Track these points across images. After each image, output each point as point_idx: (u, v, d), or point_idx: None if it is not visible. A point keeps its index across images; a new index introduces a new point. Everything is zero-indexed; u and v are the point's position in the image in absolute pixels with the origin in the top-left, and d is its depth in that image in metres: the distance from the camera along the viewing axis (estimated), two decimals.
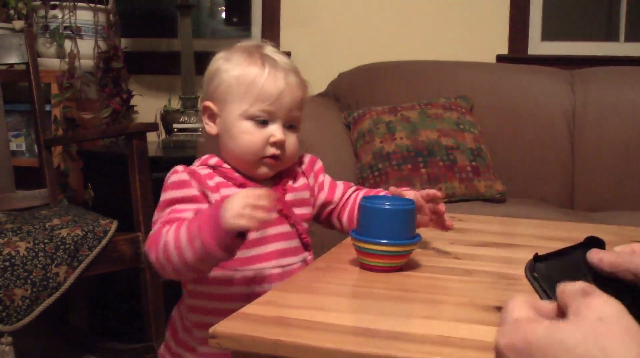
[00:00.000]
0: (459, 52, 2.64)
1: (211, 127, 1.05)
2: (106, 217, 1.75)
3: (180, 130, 2.46)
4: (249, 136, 1.01)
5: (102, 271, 1.70)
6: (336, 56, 2.73)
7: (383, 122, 2.19)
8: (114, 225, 1.72)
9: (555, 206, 2.21)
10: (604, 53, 2.65)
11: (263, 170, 1.03)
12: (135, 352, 1.92)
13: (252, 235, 0.98)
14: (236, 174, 1.03)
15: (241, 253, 0.96)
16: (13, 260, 1.51)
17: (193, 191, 0.98)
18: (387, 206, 0.90)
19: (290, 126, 1.04)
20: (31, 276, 1.52)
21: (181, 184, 0.98)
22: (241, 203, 0.84)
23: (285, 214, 1.04)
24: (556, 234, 1.25)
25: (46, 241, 1.57)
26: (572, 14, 3.14)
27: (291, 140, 1.04)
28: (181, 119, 2.48)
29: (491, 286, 0.86)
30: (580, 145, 2.32)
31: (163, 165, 2.14)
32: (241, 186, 1.01)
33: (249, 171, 1.03)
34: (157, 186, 2.00)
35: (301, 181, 1.10)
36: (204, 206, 0.96)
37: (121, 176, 1.93)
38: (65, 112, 2.40)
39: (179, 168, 1.01)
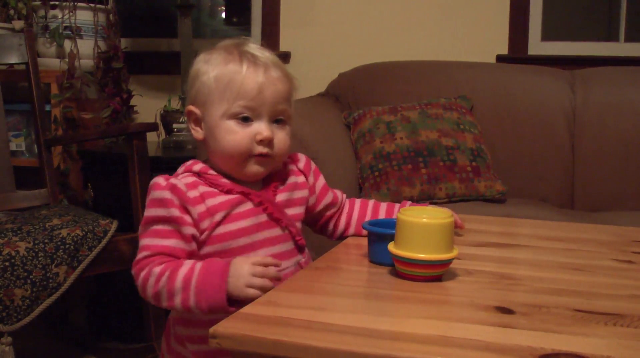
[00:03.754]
0: (459, 52, 2.64)
1: (197, 132, 1.02)
2: (106, 217, 1.74)
3: (180, 130, 2.46)
4: (232, 136, 0.97)
5: (102, 271, 1.69)
6: (336, 56, 2.72)
7: (383, 122, 2.19)
8: (114, 225, 1.72)
9: (555, 206, 2.21)
10: (604, 53, 2.65)
11: (253, 169, 0.99)
12: (135, 352, 1.92)
13: (241, 241, 0.97)
14: (223, 181, 0.99)
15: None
16: (13, 260, 1.51)
17: (173, 211, 0.94)
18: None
19: (277, 120, 1.00)
20: (31, 276, 1.52)
21: (162, 203, 0.95)
22: (250, 272, 0.86)
23: (276, 218, 1.00)
24: (556, 234, 1.25)
25: (46, 241, 1.57)
26: (572, 14, 3.14)
27: (280, 136, 1.00)
28: (181, 119, 2.48)
29: (491, 286, 0.86)
30: (580, 145, 2.32)
31: (163, 165, 2.15)
32: (228, 192, 0.98)
33: (239, 173, 1.00)
34: None
35: (297, 179, 1.07)
36: (186, 228, 0.94)
37: (121, 176, 1.93)
38: (65, 112, 2.40)
39: (160, 181, 0.97)
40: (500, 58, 2.65)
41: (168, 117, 2.53)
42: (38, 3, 2.55)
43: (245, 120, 0.98)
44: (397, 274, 0.90)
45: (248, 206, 0.99)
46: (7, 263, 1.50)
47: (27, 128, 2.52)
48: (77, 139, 2.36)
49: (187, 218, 0.95)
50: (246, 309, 0.73)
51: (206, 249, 0.97)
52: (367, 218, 1.13)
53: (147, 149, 1.82)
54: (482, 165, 2.11)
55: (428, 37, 2.70)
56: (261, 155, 0.98)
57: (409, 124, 2.17)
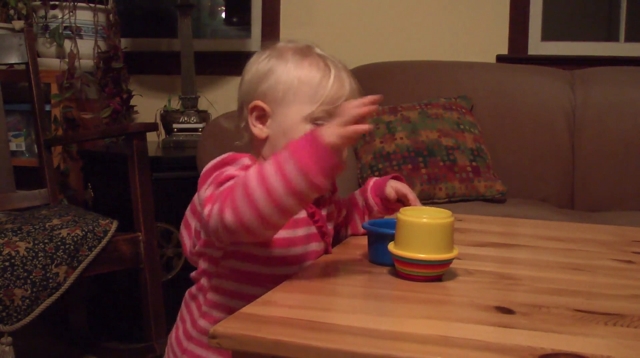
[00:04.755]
0: (459, 52, 2.64)
1: (260, 130, 0.96)
2: (106, 217, 1.74)
3: (180, 130, 2.46)
4: None
5: (102, 271, 1.69)
6: (336, 56, 2.72)
7: (383, 123, 2.19)
8: (114, 225, 1.72)
9: (555, 206, 2.21)
10: (604, 53, 2.65)
11: None
12: (135, 352, 1.92)
13: (297, 250, 0.94)
14: None
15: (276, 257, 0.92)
16: (13, 260, 1.51)
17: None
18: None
19: None
20: (31, 276, 1.52)
21: (245, 168, 0.88)
22: (337, 122, 0.78)
23: (323, 232, 0.99)
24: (556, 234, 1.25)
25: (46, 241, 1.57)
26: (572, 14, 3.14)
27: (346, 150, 0.96)
28: (181, 119, 2.48)
29: (491, 286, 0.86)
30: (580, 145, 2.32)
31: (163, 165, 2.15)
32: None
33: None
34: (157, 186, 2.01)
35: (332, 194, 1.05)
36: None
37: (121, 176, 1.93)
38: (65, 112, 2.40)
39: (237, 154, 0.91)
40: (500, 58, 2.65)
41: (168, 117, 2.53)
42: (38, 3, 2.55)
43: (320, 124, 0.92)
44: (397, 274, 0.90)
45: (303, 214, 0.96)
46: (7, 263, 1.50)
47: (27, 128, 2.52)
48: (77, 139, 2.36)
49: None
50: (246, 309, 0.73)
51: (257, 250, 0.92)
52: (359, 216, 1.13)
53: (147, 149, 1.82)
54: (482, 165, 2.11)
55: (428, 37, 2.70)
56: None
57: (409, 124, 2.17)
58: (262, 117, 0.97)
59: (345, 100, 0.93)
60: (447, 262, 0.87)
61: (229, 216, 0.79)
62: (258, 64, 0.98)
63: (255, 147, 0.99)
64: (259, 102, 0.96)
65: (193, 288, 1.02)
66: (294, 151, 0.77)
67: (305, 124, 0.94)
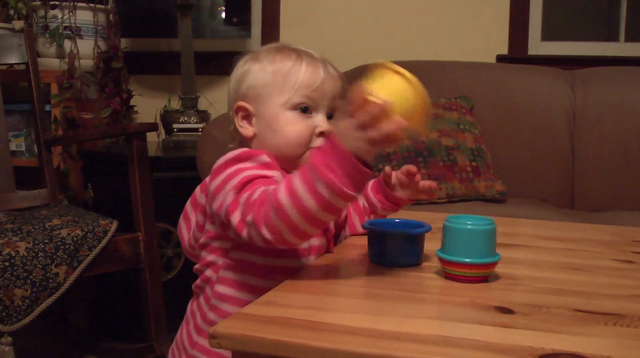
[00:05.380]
0: (459, 52, 2.64)
1: (247, 129, 0.99)
2: (106, 217, 1.74)
3: (180, 130, 2.46)
4: (294, 126, 0.96)
5: (102, 271, 1.70)
6: (336, 56, 2.71)
7: None
8: (114, 225, 1.72)
9: (555, 206, 2.21)
10: (604, 53, 2.65)
11: None
12: (135, 352, 1.92)
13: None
14: (282, 171, 0.95)
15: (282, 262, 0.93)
16: (13, 260, 1.51)
17: (279, 174, 0.90)
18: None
19: (330, 116, 0.99)
20: (31, 277, 1.52)
21: (266, 166, 0.91)
22: (350, 126, 0.77)
23: (325, 228, 0.99)
24: (556, 234, 1.25)
25: (46, 241, 1.57)
26: (572, 14, 3.14)
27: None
28: (181, 119, 2.48)
29: (491, 287, 0.86)
30: (580, 145, 2.32)
31: (163, 165, 2.15)
32: None
33: (293, 166, 0.96)
34: (157, 186, 2.01)
35: None
36: None
37: (121, 176, 1.93)
38: (65, 112, 2.40)
39: (249, 150, 0.93)
40: (500, 58, 2.65)
41: (168, 117, 2.53)
42: (38, 3, 2.55)
43: (305, 111, 0.97)
44: (396, 274, 0.90)
45: None
46: (7, 263, 1.50)
47: (27, 128, 2.52)
48: (77, 139, 2.36)
49: None
50: (246, 309, 0.73)
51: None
52: (361, 215, 1.13)
53: (147, 149, 1.82)
54: (482, 165, 2.11)
55: (428, 37, 2.70)
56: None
57: None
58: (247, 117, 1.00)
59: (321, 84, 0.97)
60: (493, 263, 0.88)
61: (267, 233, 0.82)
62: (237, 70, 1.02)
63: (247, 146, 1.01)
64: (241, 103, 1.00)
65: (198, 281, 1.02)
66: (319, 168, 0.77)
67: (284, 111, 0.97)
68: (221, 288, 0.97)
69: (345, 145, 0.77)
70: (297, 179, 0.79)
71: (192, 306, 1.04)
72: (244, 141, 1.02)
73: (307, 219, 0.79)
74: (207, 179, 0.96)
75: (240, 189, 0.87)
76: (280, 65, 0.98)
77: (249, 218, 0.83)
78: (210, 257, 0.98)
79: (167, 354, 1.08)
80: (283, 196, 0.79)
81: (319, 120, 0.97)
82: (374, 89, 0.79)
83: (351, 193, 0.77)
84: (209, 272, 0.99)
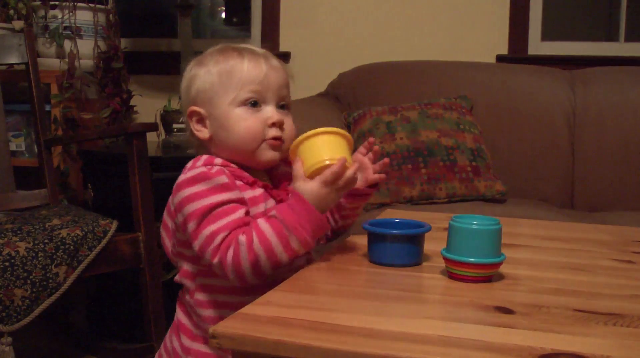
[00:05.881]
0: (459, 52, 2.64)
1: (202, 132, 1.02)
2: (106, 217, 1.74)
3: (180, 130, 2.46)
4: (245, 122, 0.99)
5: (102, 271, 1.69)
6: (336, 56, 2.73)
7: (383, 123, 2.20)
8: (114, 225, 1.72)
9: (555, 206, 2.21)
10: (604, 53, 2.65)
11: (268, 155, 1.01)
12: (135, 352, 1.92)
13: None
14: (245, 173, 1.00)
15: None
16: (13, 260, 1.51)
17: (237, 193, 0.95)
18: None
19: (281, 106, 1.03)
20: (31, 277, 1.52)
21: (225, 188, 0.94)
22: (322, 183, 0.92)
23: None
24: (556, 234, 1.25)
25: (46, 241, 1.57)
26: (572, 14, 3.14)
27: (288, 121, 1.03)
28: (181, 119, 2.48)
29: (491, 287, 0.86)
30: (580, 145, 2.32)
31: (163, 165, 2.15)
32: (253, 184, 0.99)
33: (253, 161, 1.01)
34: (157, 186, 2.01)
35: None
36: (244, 208, 0.95)
37: (121, 176, 1.93)
38: (65, 112, 2.40)
39: (206, 169, 0.96)
40: (500, 58, 2.65)
41: (168, 117, 2.53)
42: (38, 3, 2.55)
43: (254, 105, 1.00)
44: (396, 274, 0.90)
45: (271, 203, 1.00)
46: (7, 263, 1.50)
47: (27, 128, 2.52)
48: (77, 139, 2.36)
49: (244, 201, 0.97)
50: (246, 309, 0.73)
51: None
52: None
53: (147, 149, 1.82)
54: (482, 165, 2.11)
55: (428, 37, 2.70)
56: (274, 139, 1.00)
57: (408, 124, 2.17)
58: (201, 120, 1.03)
59: (265, 76, 1.00)
60: (498, 263, 0.88)
61: (232, 275, 0.91)
62: (185, 75, 1.07)
63: (205, 149, 1.05)
64: (193, 107, 1.03)
65: (181, 290, 1.06)
66: (296, 228, 0.90)
67: (234, 108, 1.00)
68: (200, 296, 1.00)
69: (317, 202, 0.92)
70: (272, 237, 0.90)
71: (179, 313, 1.06)
72: (202, 144, 1.04)
73: (274, 267, 0.91)
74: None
75: (201, 218, 0.93)
76: (223, 65, 1.01)
77: (215, 260, 0.91)
78: (186, 265, 1.02)
79: None
80: (260, 252, 0.89)
81: (269, 111, 1.01)
82: (323, 155, 0.94)
83: (313, 245, 0.93)
84: (186, 281, 1.02)
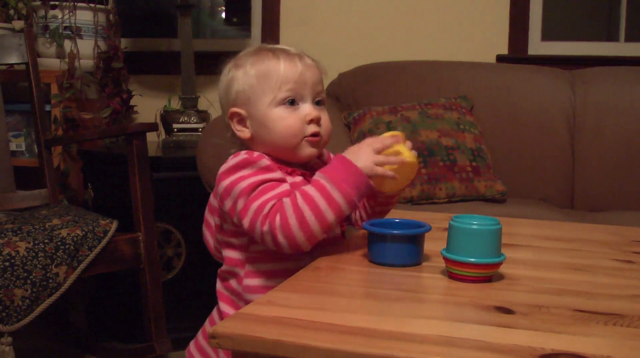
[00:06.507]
0: (459, 52, 2.64)
1: (243, 132, 1.07)
2: (106, 217, 1.74)
3: (180, 130, 2.46)
4: (285, 121, 1.04)
5: (102, 271, 1.69)
6: (336, 56, 2.72)
7: (383, 123, 2.19)
8: (114, 225, 1.72)
9: (555, 206, 2.21)
10: (604, 53, 2.65)
11: (308, 151, 1.06)
12: (135, 352, 1.92)
13: None
14: (282, 165, 1.05)
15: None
16: (13, 260, 1.51)
17: (279, 173, 1.00)
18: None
19: (317, 102, 1.07)
20: (31, 277, 1.52)
21: (267, 169, 1.00)
22: (372, 160, 0.97)
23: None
24: (556, 234, 1.25)
25: (46, 241, 1.57)
26: (572, 14, 3.14)
27: (325, 116, 1.07)
28: (181, 119, 2.48)
29: (491, 287, 0.86)
30: (580, 145, 2.32)
31: (163, 165, 2.15)
32: (292, 173, 1.04)
33: (293, 157, 1.06)
34: (157, 186, 2.01)
35: None
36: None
37: (121, 176, 1.93)
38: (65, 112, 2.40)
39: (250, 153, 1.02)
40: (500, 58, 2.65)
41: (168, 117, 2.53)
42: (38, 3, 2.55)
43: (292, 104, 1.05)
44: (396, 274, 0.90)
45: None
46: (7, 263, 1.50)
47: (27, 128, 2.52)
48: (77, 139, 2.36)
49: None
50: (246, 309, 0.73)
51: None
52: None
53: (147, 149, 1.82)
54: (482, 165, 2.11)
55: (428, 37, 2.70)
56: (313, 135, 1.04)
57: (409, 124, 2.17)
58: (242, 120, 1.08)
59: (301, 75, 1.05)
60: (498, 263, 0.88)
61: (283, 240, 0.95)
62: (223, 78, 1.11)
63: (248, 147, 1.09)
64: (234, 109, 1.08)
65: (221, 284, 1.08)
66: (336, 182, 0.95)
67: (273, 108, 1.04)
68: (250, 281, 1.04)
69: (352, 156, 0.97)
70: (315, 193, 0.94)
71: (222, 304, 1.08)
72: (244, 143, 1.09)
73: (323, 227, 0.94)
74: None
75: (249, 194, 0.97)
76: (260, 67, 1.06)
77: (265, 227, 0.95)
78: (234, 254, 1.06)
79: (188, 352, 1.10)
80: (305, 208, 0.93)
81: (307, 108, 1.05)
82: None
83: (357, 203, 0.96)
84: (234, 269, 1.05)
